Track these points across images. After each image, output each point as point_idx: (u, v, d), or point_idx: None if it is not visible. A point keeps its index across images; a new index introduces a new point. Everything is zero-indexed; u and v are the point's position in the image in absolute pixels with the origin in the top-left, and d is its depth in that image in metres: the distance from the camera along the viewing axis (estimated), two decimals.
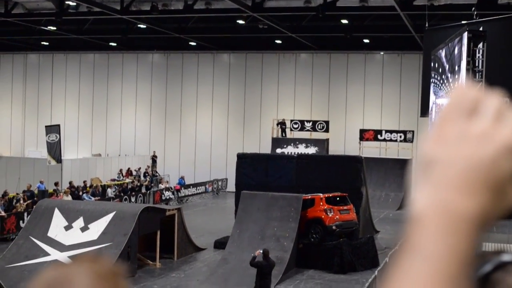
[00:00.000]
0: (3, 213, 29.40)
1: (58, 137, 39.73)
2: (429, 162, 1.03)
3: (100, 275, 1.15)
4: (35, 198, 31.88)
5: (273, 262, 19.20)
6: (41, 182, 35.85)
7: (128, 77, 54.75)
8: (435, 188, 1.00)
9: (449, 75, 25.27)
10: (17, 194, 34.44)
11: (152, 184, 44.85)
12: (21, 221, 28.98)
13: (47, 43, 53.45)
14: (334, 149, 46.27)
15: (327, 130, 47.71)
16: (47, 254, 22.86)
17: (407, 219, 1.03)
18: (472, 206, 0.99)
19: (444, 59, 26.43)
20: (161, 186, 44.70)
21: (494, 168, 1.00)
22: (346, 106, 50.09)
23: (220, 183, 49.80)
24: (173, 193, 43.69)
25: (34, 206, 26.76)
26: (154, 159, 51.22)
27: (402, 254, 0.98)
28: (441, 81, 26.95)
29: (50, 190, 35.06)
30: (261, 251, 19.22)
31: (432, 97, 29.56)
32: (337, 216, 25.93)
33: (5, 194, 32.67)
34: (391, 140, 46.34)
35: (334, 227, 25.61)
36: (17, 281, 21.39)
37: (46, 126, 41.79)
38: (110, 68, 55.26)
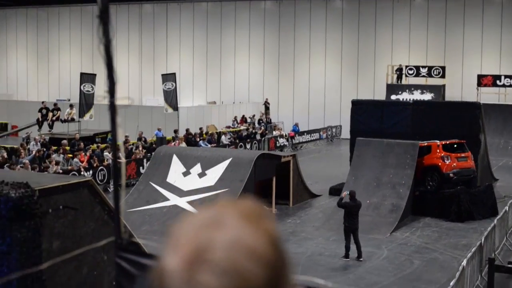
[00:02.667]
0: (123, 160, 30.31)
1: (174, 85, 40.45)
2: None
3: (248, 215, 1.13)
4: (154, 145, 32.68)
5: (359, 202, 19.39)
6: (159, 130, 36.71)
7: (241, 25, 54.97)
8: None
9: None
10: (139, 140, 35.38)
11: (267, 131, 45.14)
12: (140, 167, 29.84)
13: None
14: (450, 95, 45.24)
15: (443, 76, 46.63)
16: (166, 199, 23.48)
17: None
18: None
19: None
20: (276, 133, 44.97)
21: None
22: (463, 51, 48.72)
23: (334, 130, 49.67)
24: (287, 140, 43.92)
25: (153, 153, 27.47)
26: (266, 105, 51.48)
27: None
28: None
29: (168, 137, 35.86)
30: (348, 193, 19.65)
31: None
32: (454, 164, 25.45)
33: (125, 141, 33.63)
34: (510, 85, 44.86)
35: (451, 175, 25.17)
36: (139, 225, 22.11)
37: (162, 75, 42.61)
38: (223, 17, 55.59)
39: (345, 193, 19.89)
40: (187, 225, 1.14)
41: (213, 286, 1.09)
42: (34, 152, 28.96)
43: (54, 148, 30.48)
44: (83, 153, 29.70)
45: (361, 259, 18.86)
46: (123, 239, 2.63)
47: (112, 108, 1.94)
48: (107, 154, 30.10)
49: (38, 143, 31.65)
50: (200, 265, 1.10)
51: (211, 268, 1.09)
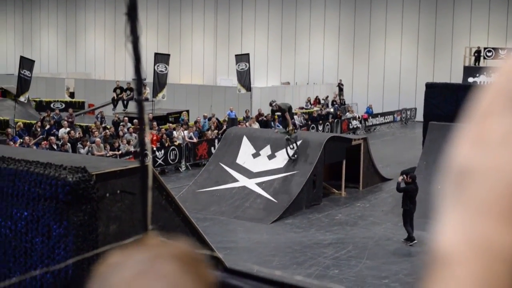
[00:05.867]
0: (195, 140, 30.58)
1: (248, 65, 40.44)
2: (463, 175, 0.73)
3: (185, 261, 0.95)
4: (225, 126, 32.81)
5: (417, 187, 19.26)
6: (231, 110, 36.83)
7: (317, 5, 54.55)
8: (471, 215, 0.70)
9: None
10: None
11: (339, 113, 44.74)
12: (212, 148, 30.04)
13: None
14: None
15: None
16: (235, 180, 23.59)
17: (429, 261, 0.72)
18: None
19: None
20: (349, 115, 44.58)
21: None
22: None
23: (408, 112, 48.98)
24: (360, 122, 43.51)
25: (224, 134, 27.61)
26: (340, 87, 51.05)
27: None
28: None
29: (240, 118, 35.95)
30: (404, 177, 19.49)
31: None
32: None
33: (197, 121, 33.91)
34: None
35: None
36: (208, 205, 22.31)
37: (236, 55, 42.65)
38: None
39: (401, 178, 19.63)
40: (116, 275, 0.94)
41: None
42: (104, 132, 29.49)
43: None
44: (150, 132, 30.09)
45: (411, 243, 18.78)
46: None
47: (140, 106, 1.91)
48: (174, 133, 30.50)
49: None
50: None
51: None
